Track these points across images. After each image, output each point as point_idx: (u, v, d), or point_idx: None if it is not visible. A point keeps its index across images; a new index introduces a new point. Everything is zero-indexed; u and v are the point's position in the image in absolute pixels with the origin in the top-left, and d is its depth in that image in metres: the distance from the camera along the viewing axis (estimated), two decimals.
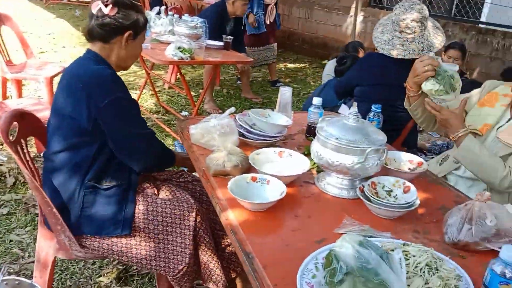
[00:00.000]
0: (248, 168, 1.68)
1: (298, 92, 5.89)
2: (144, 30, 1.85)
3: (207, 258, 1.82)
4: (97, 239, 1.74)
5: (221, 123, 1.84)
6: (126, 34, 1.75)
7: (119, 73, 1.81)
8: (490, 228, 1.31)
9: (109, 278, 2.33)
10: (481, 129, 1.93)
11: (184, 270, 1.75)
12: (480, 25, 5.89)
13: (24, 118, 1.88)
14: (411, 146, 3.03)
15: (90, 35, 1.77)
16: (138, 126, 1.78)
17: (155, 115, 4.49)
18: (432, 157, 2.94)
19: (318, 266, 1.17)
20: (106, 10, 1.70)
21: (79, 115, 1.65)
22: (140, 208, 1.76)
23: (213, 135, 1.75)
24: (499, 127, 1.93)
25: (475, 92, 2.10)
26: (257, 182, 1.57)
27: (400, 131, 2.87)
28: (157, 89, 5.29)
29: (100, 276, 2.35)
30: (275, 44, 5.79)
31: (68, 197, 1.72)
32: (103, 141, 1.70)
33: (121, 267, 2.40)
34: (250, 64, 4.17)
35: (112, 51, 1.79)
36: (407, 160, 1.83)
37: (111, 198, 1.74)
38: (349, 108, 2.83)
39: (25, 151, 1.83)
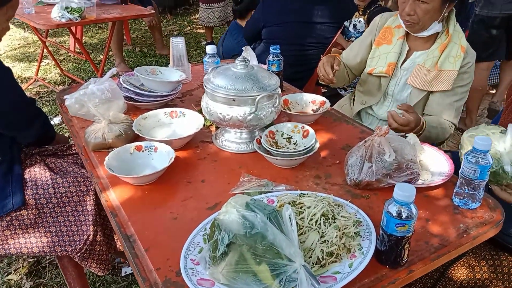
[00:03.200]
0: (134, 136, 1.49)
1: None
2: (8, 2, 1.54)
3: None
4: None
5: (100, 88, 1.61)
6: None
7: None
8: (390, 163, 1.22)
9: (19, 274, 2.11)
10: (387, 70, 1.84)
11: (90, 240, 1.60)
12: None
13: None
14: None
15: None
16: (19, 94, 1.64)
17: (60, 87, 4.10)
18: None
19: (206, 237, 1.04)
20: None
21: None
22: (29, 193, 1.56)
23: (89, 105, 1.52)
24: (402, 63, 1.85)
25: (366, 34, 2.00)
26: (143, 151, 1.39)
27: (312, 70, 2.76)
28: (61, 58, 4.84)
29: (9, 274, 2.12)
30: None
31: None
32: None
33: (31, 259, 2.18)
34: (152, 16, 3.83)
35: None
36: (310, 101, 1.71)
37: None
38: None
39: None
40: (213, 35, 5.55)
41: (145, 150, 1.39)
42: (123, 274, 2.12)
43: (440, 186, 1.28)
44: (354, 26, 4.52)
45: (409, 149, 1.26)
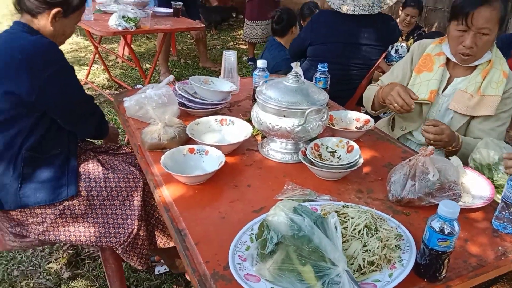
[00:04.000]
0: (187, 139, 1.58)
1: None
2: (79, 10, 1.72)
3: (163, 222, 1.77)
4: (43, 213, 1.64)
5: (157, 93, 1.72)
6: (54, 11, 1.63)
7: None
8: (433, 182, 1.26)
9: (59, 264, 2.23)
10: (430, 98, 1.86)
11: (133, 234, 1.69)
12: None
13: None
14: None
15: (19, 5, 1.67)
16: (80, 91, 1.76)
17: (107, 91, 4.29)
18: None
19: (253, 237, 1.10)
20: None
21: (19, 89, 1.55)
22: (82, 185, 1.68)
23: (148, 107, 1.63)
24: (444, 89, 1.88)
25: (404, 62, 2.02)
26: (195, 153, 1.48)
27: (354, 90, 2.81)
28: (110, 63, 5.07)
29: (50, 262, 2.24)
30: None
31: (1, 173, 1.61)
32: (43, 111, 1.63)
33: (71, 251, 2.30)
34: (202, 29, 3.98)
35: (40, 26, 1.67)
36: (354, 119, 1.76)
37: (53, 164, 1.67)
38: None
39: None
40: (255, 51, 5.68)
41: (197, 152, 1.47)
42: (156, 273, 2.20)
43: (480, 209, 1.30)
44: (396, 50, 4.56)
45: (452, 171, 1.29)
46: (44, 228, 1.65)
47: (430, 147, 1.30)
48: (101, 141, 2.09)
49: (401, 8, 4.53)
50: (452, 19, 1.75)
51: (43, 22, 1.66)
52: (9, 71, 1.56)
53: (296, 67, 1.73)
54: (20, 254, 2.26)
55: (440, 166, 1.29)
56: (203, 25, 3.77)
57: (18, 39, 1.63)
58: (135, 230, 1.69)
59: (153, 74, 4.80)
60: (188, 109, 1.83)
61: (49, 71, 1.57)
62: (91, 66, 4.41)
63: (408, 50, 4.53)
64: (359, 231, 1.08)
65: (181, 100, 1.82)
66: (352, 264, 1.02)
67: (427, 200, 1.28)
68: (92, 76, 4.65)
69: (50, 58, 1.60)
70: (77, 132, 1.79)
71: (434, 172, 1.27)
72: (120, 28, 3.21)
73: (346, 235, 1.07)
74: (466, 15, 1.65)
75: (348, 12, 2.61)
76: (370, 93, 2.04)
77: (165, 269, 2.19)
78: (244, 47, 5.91)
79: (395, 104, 1.74)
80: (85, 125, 1.80)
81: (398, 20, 4.42)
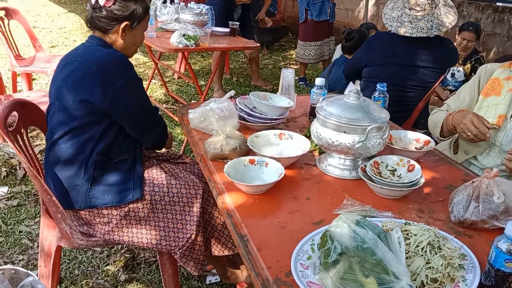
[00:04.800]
0: (247, 151, 1.64)
1: (310, 79, 5.79)
2: (144, 19, 1.85)
3: (219, 230, 1.84)
4: (109, 213, 1.74)
5: (220, 106, 1.80)
6: (123, 25, 1.78)
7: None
8: (498, 205, 1.24)
9: (116, 267, 2.33)
10: (498, 122, 1.82)
11: (192, 239, 1.75)
12: (497, 3, 5.68)
13: (24, 108, 1.88)
14: (422, 126, 2.94)
15: (90, 25, 1.83)
16: (147, 102, 1.89)
17: (164, 105, 4.48)
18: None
19: (314, 247, 1.13)
20: (102, 2, 1.73)
21: (92, 97, 1.68)
22: (146, 189, 1.77)
23: (212, 119, 1.71)
24: None
25: (471, 85, 1.99)
26: (255, 164, 1.53)
27: (411, 112, 2.79)
28: (166, 79, 5.29)
29: (108, 264, 2.35)
30: (332, 38, 5.45)
31: (73, 175, 1.73)
32: (112, 119, 1.75)
33: (128, 255, 2.40)
34: (257, 49, 4.10)
35: (112, 40, 1.82)
36: (414, 139, 1.76)
37: (120, 169, 1.78)
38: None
39: (25, 139, 1.82)
40: (306, 71, 5.75)
41: (257, 164, 1.53)
42: (207, 282, 2.25)
43: None
44: (453, 75, 4.48)
45: None
46: (109, 228, 1.75)
47: (495, 170, 1.28)
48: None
49: (457, 32, 4.45)
50: None
51: (114, 37, 1.80)
52: (85, 81, 1.69)
53: (356, 85, 1.76)
54: (80, 255, 2.39)
55: (505, 189, 1.27)
56: (258, 44, 3.87)
57: (94, 51, 1.77)
58: (193, 236, 1.75)
59: (208, 91, 4.95)
60: (247, 123, 1.89)
61: (121, 81, 1.69)
62: (150, 81, 4.62)
63: (464, 76, 4.45)
64: (422, 248, 1.08)
65: (241, 114, 1.89)
66: (415, 280, 1.02)
67: (490, 222, 1.25)
68: (150, 91, 4.86)
69: (121, 69, 1.73)
70: (142, 140, 1.89)
71: (499, 195, 1.24)
72: (180, 46, 3.37)
73: (408, 251, 1.08)
74: None
75: (406, 35, 2.61)
76: (436, 118, 2.01)
77: (216, 279, 2.24)
78: (295, 67, 5.98)
79: (469, 133, 1.71)
80: (150, 133, 1.90)
81: (454, 44, 4.35)
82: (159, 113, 1.99)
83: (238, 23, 4.11)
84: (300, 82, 5.66)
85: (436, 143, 2.34)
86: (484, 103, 1.90)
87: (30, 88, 4.07)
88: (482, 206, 1.25)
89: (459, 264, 1.07)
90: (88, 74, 1.69)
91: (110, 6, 1.73)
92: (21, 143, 1.78)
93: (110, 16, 1.75)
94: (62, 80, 1.75)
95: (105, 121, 1.74)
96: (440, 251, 1.07)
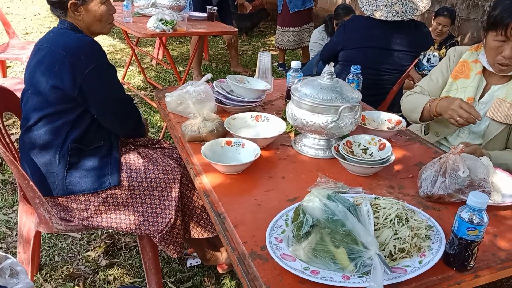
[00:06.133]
0: (224, 133, 1.66)
1: (289, 65, 5.80)
2: None
3: (198, 213, 1.85)
4: (86, 200, 1.75)
5: (196, 89, 1.81)
6: (69, 5, 1.73)
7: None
8: (463, 179, 1.30)
9: (97, 253, 2.34)
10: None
11: (171, 223, 1.77)
12: None
13: None
14: (397, 109, 3.00)
15: (53, 12, 1.81)
16: (120, 91, 1.85)
17: (142, 92, 4.45)
18: None
19: (288, 222, 1.17)
20: None
21: (63, 83, 1.66)
22: (124, 175, 1.78)
23: (189, 102, 1.72)
24: (480, 97, 1.88)
25: (442, 67, 2.02)
26: (232, 146, 1.56)
27: (386, 95, 2.84)
28: (144, 66, 5.24)
29: (88, 251, 2.36)
30: (312, 24, 5.43)
31: (48, 162, 1.73)
32: (85, 107, 1.73)
33: (108, 241, 2.41)
34: (235, 34, 4.10)
35: (74, 21, 1.79)
36: (386, 120, 1.81)
37: (96, 155, 1.78)
38: None
39: (1, 126, 1.80)
40: (285, 57, 5.76)
41: (234, 145, 1.55)
42: (188, 265, 2.28)
43: (509, 207, 1.33)
44: (428, 59, 4.56)
45: (482, 169, 1.33)
46: (88, 215, 1.76)
47: (461, 145, 1.34)
48: None
49: (433, 17, 4.53)
50: (489, 29, 1.73)
51: (73, 19, 1.77)
52: (54, 67, 1.67)
53: (330, 67, 1.79)
54: (60, 242, 2.39)
55: (470, 164, 1.33)
56: (236, 29, 3.87)
57: (63, 36, 1.74)
58: (172, 220, 1.77)
59: (187, 78, 4.94)
60: (224, 106, 1.91)
61: (89, 67, 1.66)
62: (128, 67, 4.57)
63: (440, 60, 4.53)
64: (391, 220, 1.12)
65: (218, 97, 1.91)
66: (383, 250, 1.07)
67: (457, 196, 1.31)
68: (128, 77, 4.82)
69: (91, 55, 1.69)
70: (114, 130, 1.86)
71: (464, 169, 1.30)
72: (157, 30, 3.34)
73: (377, 223, 1.12)
74: (506, 26, 1.64)
75: (381, 18, 2.65)
76: (414, 102, 1.98)
77: (197, 262, 2.27)
78: (275, 53, 5.99)
79: (458, 118, 1.70)
80: (123, 125, 1.88)
81: (430, 29, 4.42)
82: (139, 104, 1.97)
83: (216, 8, 4.09)
84: (279, 68, 5.68)
85: (408, 124, 2.40)
86: (453, 86, 1.95)
87: (4, 75, 4.00)
88: (449, 181, 1.31)
89: (425, 235, 1.12)
90: (58, 60, 1.67)
91: None
92: None
93: (53, 0, 1.73)
94: (34, 66, 1.74)
95: (78, 107, 1.72)
96: (407, 223, 1.12)
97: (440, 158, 1.37)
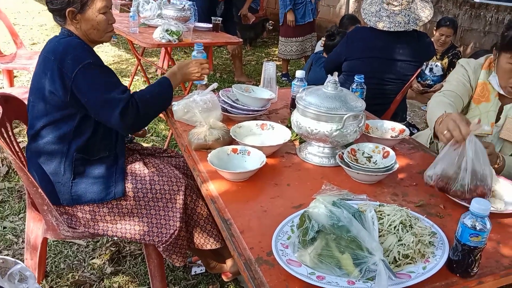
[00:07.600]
0: (229, 141, 1.69)
1: (293, 75, 5.86)
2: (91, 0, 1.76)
3: (201, 225, 1.86)
4: (92, 210, 1.77)
5: (203, 98, 1.84)
6: (67, 13, 1.74)
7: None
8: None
9: (102, 260, 2.35)
10: (491, 131, 1.80)
11: (175, 235, 1.78)
12: (474, 0, 5.83)
13: (8, 102, 1.89)
14: (401, 119, 3.03)
15: (55, 20, 1.83)
16: (112, 90, 1.71)
17: None
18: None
19: (294, 228, 1.19)
20: None
21: (56, 89, 1.67)
22: (129, 186, 1.79)
23: (195, 111, 1.75)
24: (496, 120, 1.83)
25: (461, 75, 1.88)
26: (238, 153, 1.58)
27: (389, 105, 2.87)
28: (150, 76, 5.29)
29: (94, 258, 2.37)
30: (314, 34, 5.51)
31: (54, 172, 1.75)
32: (84, 113, 1.73)
33: (113, 248, 2.42)
34: (239, 44, 4.15)
35: (72, 30, 1.80)
36: (390, 128, 1.83)
37: (102, 166, 1.78)
38: None
39: (10, 133, 1.84)
40: (288, 67, 5.81)
41: (240, 153, 1.58)
42: (192, 273, 2.29)
43: None
44: (431, 69, 4.60)
45: (484, 161, 1.33)
46: (94, 223, 1.78)
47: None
48: (141, 140, 2.21)
49: (435, 28, 4.57)
50: (503, 49, 1.67)
51: (72, 27, 1.78)
52: (47, 73, 1.69)
53: (334, 76, 1.82)
54: (66, 249, 2.41)
55: (477, 149, 1.32)
56: (240, 40, 3.92)
57: (56, 42, 1.75)
58: (176, 231, 1.78)
59: (191, 87, 4.98)
60: (230, 114, 1.94)
61: (76, 69, 1.64)
62: (133, 77, 4.62)
63: (442, 70, 4.56)
64: (395, 227, 1.14)
65: (224, 106, 1.94)
66: (388, 256, 1.09)
67: (457, 184, 1.34)
68: (133, 87, 4.87)
69: (77, 57, 1.66)
70: (116, 129, 1.79)
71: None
72: (163, 41, 3.39)
73: (382, 230, 1.14)
74: None
75: (384, 29, 2.69)
76: (432, 112, 1.72)
77: (202, 270, 2.28)
78: (278, 63, 6.04)
79: (446, 133, 1.40)
80: (123, 122, 1.72)
81: (432, 39, 4.46)
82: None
83: (221, 18, 4.14)
84: (283, 78, 5.72)
85: (411, 133, 2.42)
86: (476, 111, 1.86)
87: (11, 85, 4.05)
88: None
89: (429, 241, 1.14)
90: (49, 66, 1.69)
91: None
92: (5, 136, 1.80)
93: (53, 8, 1.75)
94: (35, 73, 1.78)
95: (77, 114, 1.72)
96: (411, 229, 1.14)
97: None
